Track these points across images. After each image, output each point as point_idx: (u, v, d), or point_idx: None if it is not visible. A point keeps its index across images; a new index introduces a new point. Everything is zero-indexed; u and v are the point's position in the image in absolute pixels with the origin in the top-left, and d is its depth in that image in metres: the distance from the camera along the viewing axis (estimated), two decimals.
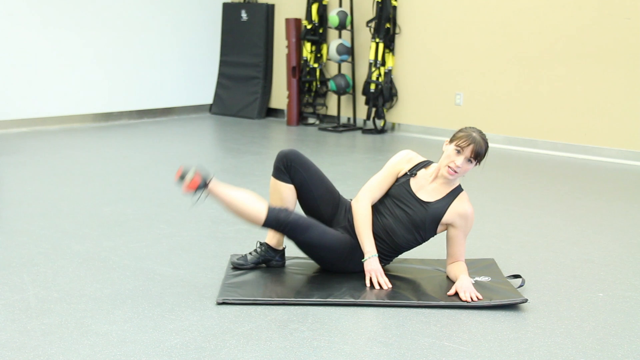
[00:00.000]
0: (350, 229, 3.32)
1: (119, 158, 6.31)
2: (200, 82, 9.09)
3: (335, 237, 3.27)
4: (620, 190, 5.47)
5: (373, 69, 7.76)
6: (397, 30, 7.81)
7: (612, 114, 6.59)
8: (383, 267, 3.31)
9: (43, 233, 3.94)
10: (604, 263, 3.69)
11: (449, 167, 3.17)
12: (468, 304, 3.03)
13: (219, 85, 9.18)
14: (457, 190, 3.27)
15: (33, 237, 3.86)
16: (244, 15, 8.91)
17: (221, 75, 9.17)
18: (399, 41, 7.87)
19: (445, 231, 3.30)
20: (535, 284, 3.32)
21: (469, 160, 3.16)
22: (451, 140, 3.20)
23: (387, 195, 3.32)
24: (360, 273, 3.28)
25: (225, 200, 3.18)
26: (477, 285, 3.21)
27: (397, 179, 3.33)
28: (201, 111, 9.18)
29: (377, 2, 7.74)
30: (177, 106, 8.92)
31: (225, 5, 9.08)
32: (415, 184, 3.28)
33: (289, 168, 3.33)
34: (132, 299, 3.04)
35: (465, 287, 3.10)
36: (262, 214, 3.15)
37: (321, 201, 3.38)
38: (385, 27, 7.71)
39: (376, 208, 3.32)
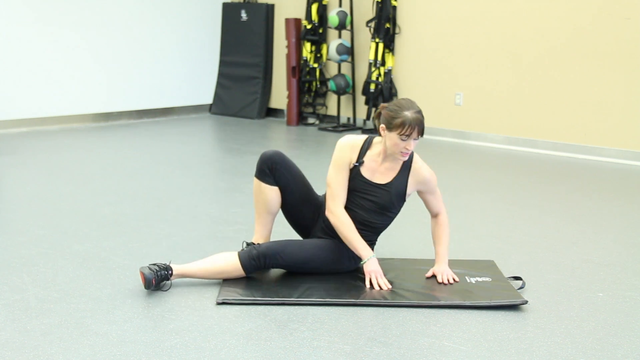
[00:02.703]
0: (330, 231, 3.32)
1: (119, 158, 6.31)
2: (200, 82, 9.09)
3: (315, 246, 3.27)
4: (620, 190, 5.47)
5: (373, 69, 7.76)
6: (397, 30, 7.81)
7: (612, 114, 6.59)
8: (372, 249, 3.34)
9: (43, 233, 3.94)
10: (604, 263, 3.69)
11: (401, 152, 3.14)
12: (466, 303, 3.03)
13: (219, 85, 9.18)
14: (409, 160, 3.26)
15: (33, 237, 3.86)
16: (244, 15, 8.91)
17: (221, 75, 9.17)
18: (398, 41, 7.87)
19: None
20: (535, 284, 3.32)
21: (416, 139, 3.13)
22: (389, 128, 3.11)
23: (349, 190, 3.29)
24: (355, 272, 3.29)
25: (198, 275, 3.20)
26: (477, 285, 3.21)
27: (350, 171, 3.27)
28: (201, 111, 9.18)
29: (377, 2, 7.74)
30: (177, 106, 8.92)
31: (225, 5, 9.08)
32: (367, 171, 3.25)
33: (273, 170, 3.32)
34: (132, 299, 3.04)
35: (443, 270, 3.26)
36: (237, 263, 3.17)
37: (303, 204, 3.39)
38: (385, 27, 7.71)
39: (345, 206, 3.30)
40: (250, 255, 3.17)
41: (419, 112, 3.10)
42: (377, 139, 3.29)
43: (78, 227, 4.07)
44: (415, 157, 3.28)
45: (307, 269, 3.27)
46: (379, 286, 3.17)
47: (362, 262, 3.24)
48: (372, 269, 3.21)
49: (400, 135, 3.08)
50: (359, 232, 3.26)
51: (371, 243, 3.35)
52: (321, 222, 3.37)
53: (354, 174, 3.27)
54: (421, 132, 3.11)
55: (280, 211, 3.47)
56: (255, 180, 3.38)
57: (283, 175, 3.33)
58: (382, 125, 3.15)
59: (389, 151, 3.18)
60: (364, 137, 3.31)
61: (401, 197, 3.28)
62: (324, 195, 3.37)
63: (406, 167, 3.25)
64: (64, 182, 5.28)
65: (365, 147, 3.27)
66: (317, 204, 3.41)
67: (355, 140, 3.29)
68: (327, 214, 3.27)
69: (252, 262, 3.17)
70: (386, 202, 3.25)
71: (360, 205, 3.27)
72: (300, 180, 3.39)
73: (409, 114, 3.06)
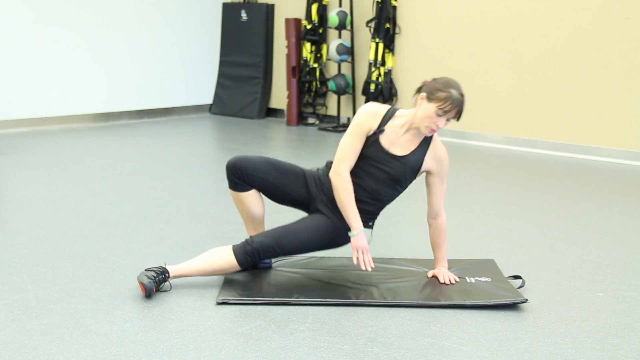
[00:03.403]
0: (329, 203, 3.26)
1: (119, 158, 6.31)
2: (200, 82, 9.09)
3: (310, 227, 3.21)
4: (620, 190, 5.47)
5: (373, 69, 7.76)
6: (397, 30, 7.81)
7: (612, 114, 6.59)
8: (372, 225, 3.32)
9: (43, 233, 3.94)
10: (604, 263, 3.69)
11: (429, 127, 3.12)
12: (466, 303, 3.03)
13: (219, 85, 9.18)
14: (429, 137, 3.24)
15: (33, 237, 3.86)
16: (244, 15, 8.91)
17: (221, 75, 9.16)
18: (398, 41, 7.87)
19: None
20: (535, 284, 3.32)
21: (449, 119, 3.13)
22: (430, 99, 3.09)
23: (361, 156, 3.23)
24: (355, 272, 3.30)
25: (195, 273, 3.19)
26: (477, 285, 3.21)
27: (368, 138, 3.22)
28: (201, 111, 9.18)
29: (377, 2, 7.74)
30: (177, 106, 8.92)
31: (225, 5, 9.08)
32: (386, 140, 3.20)
33: (242, 177, 3.27)
34: (132, 299, 3.04)
35: (444, 272, 3.28)
36: (232, 259, 3.15)
37: (288, 189, 3.31)
38: (385, 27, 7.71)
39: (354, 173, 3.23)
40: (245, 251, 3.14)
41: (464, 96, 3.12)
42: (399, 112, 3.24)
43: (78, 227, 4.07)
44: (436, 135, 3.26)
45: (305, 251, 3.25)
46: (364, 264, 3.14)
47: (351, 234, 3.18)
48: (359, 245, 3.16)
49: (439, 108, 3.07)
50: (364, 203, 3.22)
51: (373, 217, 3.31)
52: (321, 195, 3.29)
53: (372, 140, 3.20)
54: (458, 115, 3.12)
55: (278, 206, 3.45)
56: (231, 192, 3.35)
57: (254, 177, 3.27)
58: (423, 94, 3.12)
59: (416, 122, 3.14)
60: (387, 107, 3.27)
61: (414, 172, 3.23)
62: (330, 163, 3.31)
63: (426, 142, 3.22)
64: (64, 182, 5.28)
65: (387, 117, 3.22)
66: (304, 180, 3.33)
67: (379, 108, 3.25)
68: (332, 174, 3.21)
69: (247, 258, 3.15)
70: (400, 174, 3.20)
71: (372, 174, 3.21)
72: (274, 170, 3.31)
73: (455, 92, 3.09)
